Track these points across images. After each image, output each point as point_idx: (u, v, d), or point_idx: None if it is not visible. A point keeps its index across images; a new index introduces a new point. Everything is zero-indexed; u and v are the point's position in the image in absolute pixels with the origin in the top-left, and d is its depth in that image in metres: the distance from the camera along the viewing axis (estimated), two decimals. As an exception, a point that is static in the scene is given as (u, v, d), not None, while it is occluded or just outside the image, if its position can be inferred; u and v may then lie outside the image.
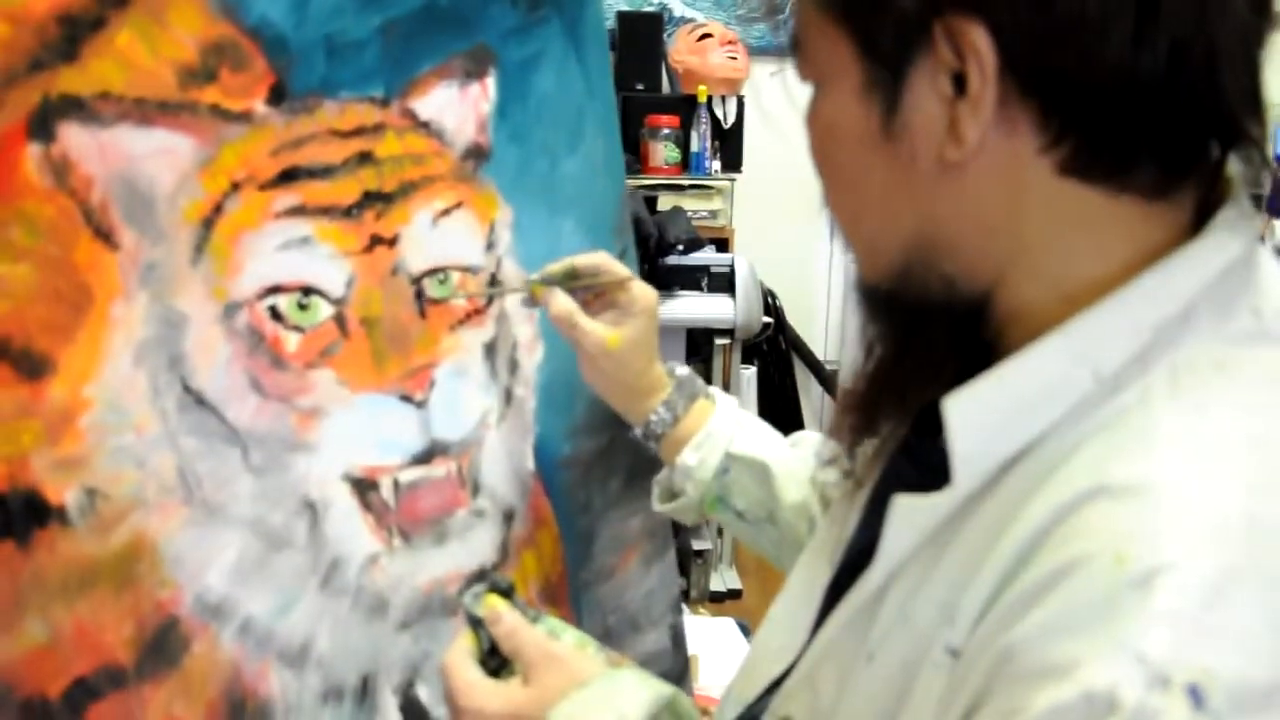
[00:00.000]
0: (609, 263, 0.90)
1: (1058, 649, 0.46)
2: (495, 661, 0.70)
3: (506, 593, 0.71)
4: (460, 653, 0.70)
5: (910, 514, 0.58)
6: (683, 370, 0.95)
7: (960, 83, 0.53)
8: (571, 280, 0.88)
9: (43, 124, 0.63)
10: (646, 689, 0.65)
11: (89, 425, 0.66)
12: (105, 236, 0.66)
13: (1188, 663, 0.44)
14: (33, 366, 0.64)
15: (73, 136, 0.64)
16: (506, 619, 0.70)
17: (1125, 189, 0.54)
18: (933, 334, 0.60)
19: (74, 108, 0.64)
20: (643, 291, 0.91)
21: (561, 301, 0.88)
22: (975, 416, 0.56)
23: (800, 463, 0.92)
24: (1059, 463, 0.53)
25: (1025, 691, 0.46)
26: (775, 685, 0.69)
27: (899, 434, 0.68)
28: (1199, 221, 0.56)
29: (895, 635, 0.57)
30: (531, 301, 0.88)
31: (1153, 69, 0.51)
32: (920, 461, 0.63)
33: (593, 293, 0.90)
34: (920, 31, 0.53)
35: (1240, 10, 0.52)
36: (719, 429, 0.92)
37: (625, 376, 0.91)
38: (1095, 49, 0.50)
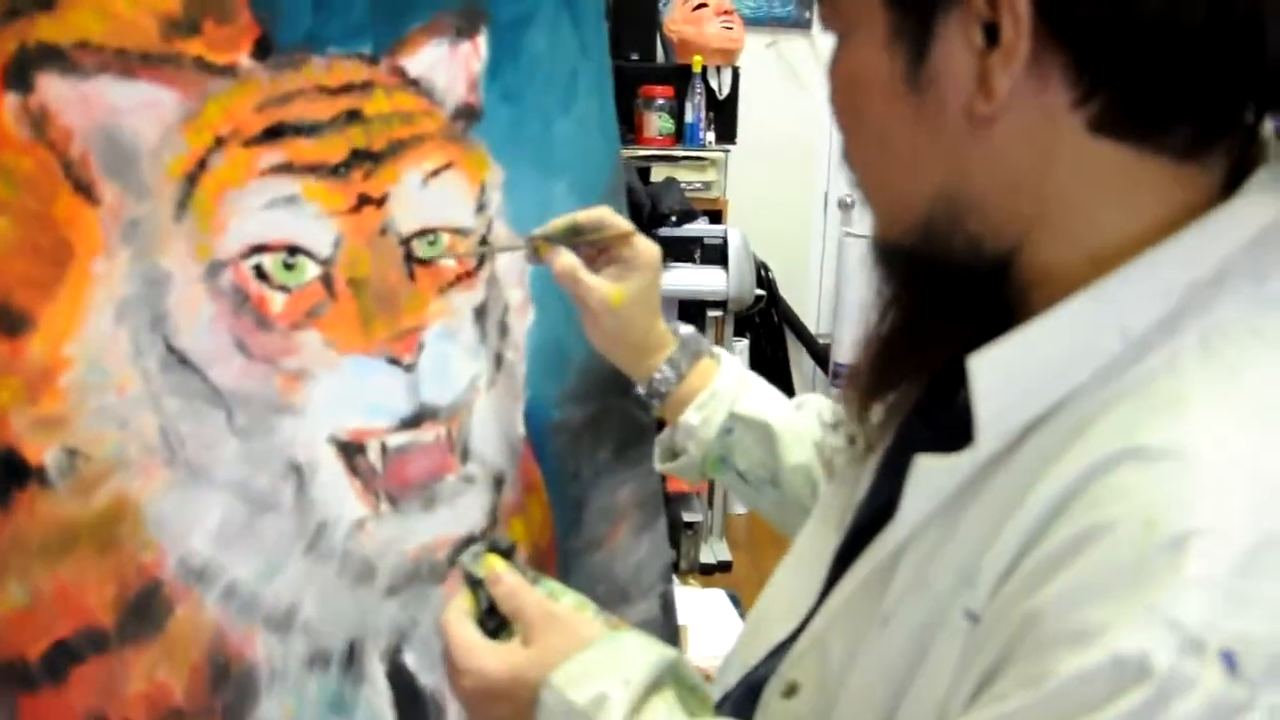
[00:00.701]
0: (611, 217, 0.88)
1: (1084, 614, 0.45)
2: (493, 622, 0.68)
3: (506, 553, 0.70)
4: (458, 612, 0.68)
5: (931, 475, 0.57)
6: (686, 329, 0.93)
7: (991, 33, 0.51)
8: (574, 236, 0.87)
9: (20, 73, 0.61)
10: (649, 651, 0.64)
11: (69, 384, 0.65)
12: (86, 191, 0.65)
13: (1222, 629, 0.43)
14: (11, 323, 0.62)
15: (51, 87, 0.63)
16: (506, 579, 0.69)
17: (1158, 149, 0.53)
18: (954, 293, 0.59)
19: (52, 57, 0.62)
20: (646, 246, 0.90)
21: (565, 257, 0.86)
22: (1000, 376, 0.55)
23: (804, 425, 0.91)
24: (1085, 425, 0.52)
25: (1050, 656, 0.45)
26: (779, 650, 0.68)
27: (911, 397, 0.67)
28: (1230, 185, 0.54)
29: (911, 599, 0.56)
30: (534, 258, 0.87)
31: (1192, 21, 0.49)
32: (936, 423, 0.61)
33: (596, 249, 0.88)
34: None
35: None
36: (723, 388, 0.91)
37: (629, 333, 0.89)
38: (1131, 1, 0.49)
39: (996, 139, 0.54)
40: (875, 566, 0.60)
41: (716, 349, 0.94)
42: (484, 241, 0.86)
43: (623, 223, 0.89)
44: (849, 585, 0.63)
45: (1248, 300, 0.52)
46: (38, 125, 0.62)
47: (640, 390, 0.92)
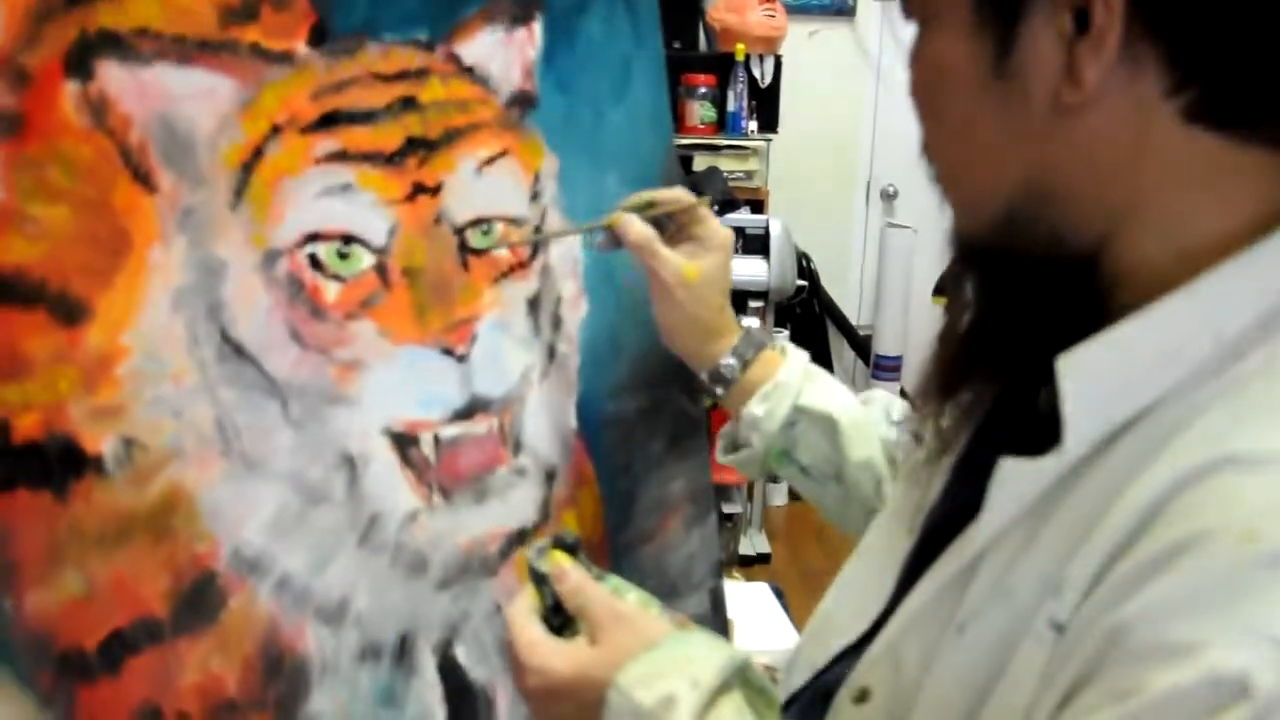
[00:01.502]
0: (685, 194, 0.88)
1: (1179, 628, 0.44)
2: (558, 619, 0.67)
3: (572, 549, 0.69)
4: (524, 609, 0.67)
5: (1016, 477, 0.56)
6: (749, 321, 0.92)
7: (1081, 19, 0.50)
8: (648, 209, 0.86)
9: (80, 61, 0.61)
10: (718, 651, 0.63)
11: (126, 373, 0.64)
12: (144, 179, 0.64)
13: None
14: (69, 311, 0.62)
15: (111, 74, 0.62)
16: (572, 576, 0.67)
17: (1254, 139, 0.51)
18: (1036, 290, 0.57)
19: (112, 44, 0.62)
20: (719, 227, 0.89)
21: (640, 228, 0.85)
22: (1090, 378, 0.53)
23: (870, 421, 0.90)
24: (1177, 430, 0.50)
25: (1141, 671, 0.44)
26: (848, 652, 0.67)
27: (988, 396, 0.65)
28: None
29: (990, 607, 0.55)
30: (608, 241, 0.86)
31: None
32: (1017, 424, 0.60)
33: (670, 229, 0.88)
34: None
35: None
36: (788, 380, 0.90)
37: (700, 311, 0.88)
38: None
39: (1085, 129, 0.52)
40: (953, 571, 0.59)
41: (783, 342, 0.93)
42: (539, 230, 0.85)
43: (689, 196, 0.88)
44: (925, 590, 0.61)
45: None
46: (97, 113, 0.62)
47: (703, 377, 0.90)
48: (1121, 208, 0.53)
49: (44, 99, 0.60)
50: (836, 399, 0.90)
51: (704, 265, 0.87)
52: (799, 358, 0.93)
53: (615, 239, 0.87)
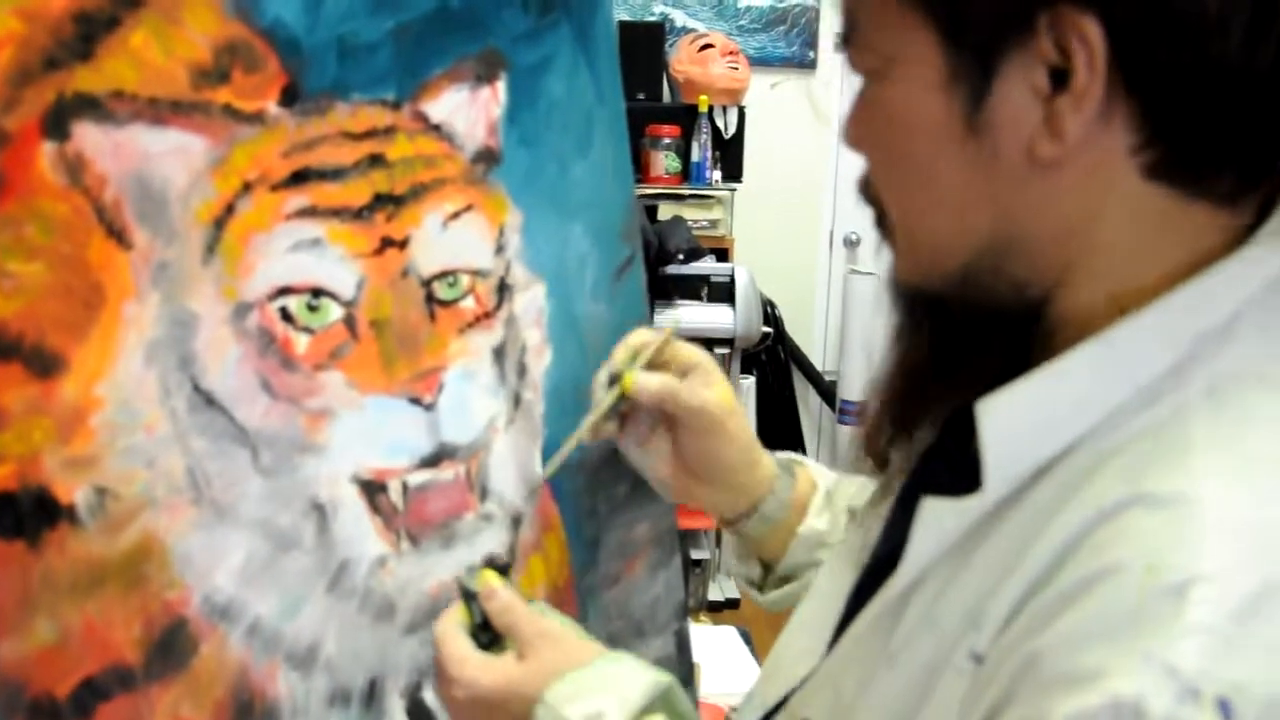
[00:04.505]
0: (647, 331, 0.86)
1: (1084, 656, 0.46)
2: (486, 637, 0.70)
3: (503, 570, 0.71)
4: (452, 624, 0.69)
5: (938, 517, 0.58)
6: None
7: (1058, 76, 0.51)
8: (637, 359, 0.84)
9: (57, 122, 0.63)
10: (645, 673, 0.65)
11: (100, 424, 0.66)
12: (118, 235, 0.66)
13: (1219, 676, 0.44)
14: (44, 364, 0.63)
15: (87, 135, 0.64)
16: (501, 595, 0.70)
17: (1204, 193, 0.53)
18: (981, 336, 0.59)
19: (88, 106, 0.64)
20: (695, 349, 0.86)
21: (655, 379, 0.82)
22: (1009, 422, 0.55)
23: None
24: (1092, 472, 0.52)
25: (1048, 698, 0.46)
26: (796, 690, 0.68)
27: (927, 437, 0.67)
28: (1253, 226, 0.55)
29: (918, 638, 0.57)
30: (617, 412, 0.83)
31: (1263, 65, 0.49)
32: (949, 464, 0.62)
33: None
34: (1020, 21, 0.51)
35: None
36: (832, 487, 0.88)
37: (748, 436, 0.85)
38: (1211, 46, 0.49)
39: (1055, 182, 0.54)
40: (885, 606, 0.61)
41: (791, 455, 0.91)
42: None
43: (660, 332, 0.86)
44: (861, 624, 0.63)
45: (1256, 348, 0.53)
46: (73, 172, 0.64)
47: (764, 508, 0.86)
48: (1076, 258, 0.55)
49: (22, 159, 0.62)
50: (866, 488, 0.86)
51: (722, 386, 0.84)
52: (812, 461, 0.91)
53: (617, 414, 0.84)
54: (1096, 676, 0.45)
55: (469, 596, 0.71)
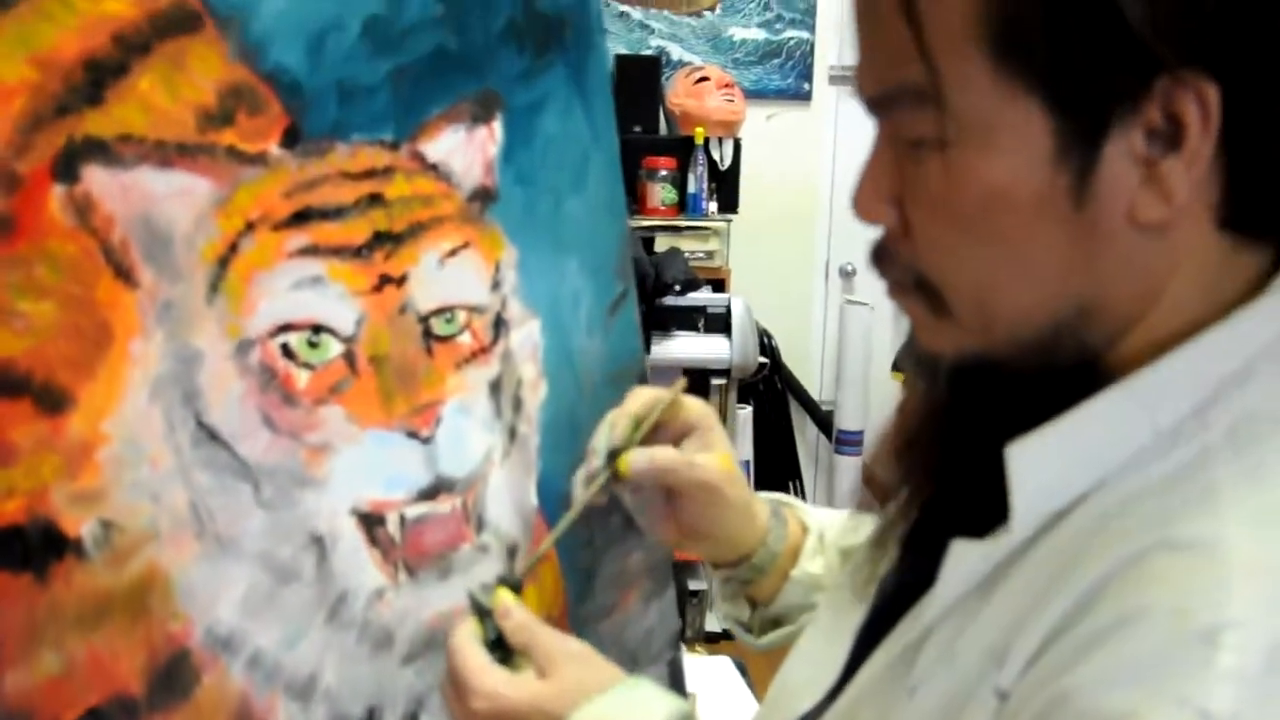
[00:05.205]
0: (651, 392, 0.85)
1: (1115, 697, 0.47)
2: (498, 654, 0.70)
3: (515, 588, 0.72)
4: (469, 637, 0.70)
5: (966, 557, 0.59)
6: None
7: (1159, 138, 0.51)
8: (640, 428, 0.83)
9: (67, 165, 0.65)
10: (667, 699, 0.66)
11: (106, 459, 0.67)
12: (125, 275, 0.68)
13: None
14: (53, 401, 0.65)
15: (95, 177, 0.66)
16: (517, 612, 0.71)
17: (1255, 241, 0.55)
18: (1032, 392, 0.58)
19: (97, 150, 0.66)
20: (696, 403, 0.86)
21: (660, 455, 0.81)
22: (1038, 465, 0.56)
23: None
24: (1118, 514, 0.53)
25: None
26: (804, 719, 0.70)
27: (937, 473, 0.68)
28: (1270, 272, 0.56)
29: (938, 673, 0.58)
30: (615, 480, 0.81)
31: None
32: (964, 502, 0.63)
33: (657, 430, 0.84)
34: (1135, 87, 0.50)
35: None
36: (826, 529, 0.89)
37: (745, 495, 0.85)
38: None
39: (1152, 243, 0.54)
40: (907, 641, 0.62)
41: (780, 497, 0.92)
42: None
43: (665, 392, 0.85)
44: (880, 660, 0.64)
45: (1274, 391, 0.54)
46: (82, 214, 0.66)
47: (756, 558, 0.86)
48: (1146, 312, 0.55)
49: (33, 201, 0.64)
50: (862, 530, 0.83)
51: (721, 445, 0.84)
52: (802, 504, 0.91)
53: (611, 487, 0.82)
54: (1129, 718, 0.46)
55: (483, 613, 0.72)
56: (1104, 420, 0.55)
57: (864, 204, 0.59)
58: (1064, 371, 0.57)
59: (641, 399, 0.85)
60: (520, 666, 0.71)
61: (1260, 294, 0.55)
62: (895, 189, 0.58)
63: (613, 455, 0.82)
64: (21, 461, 0.64)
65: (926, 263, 0.58)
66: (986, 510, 0.58)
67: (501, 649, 0.71)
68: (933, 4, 0.52)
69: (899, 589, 0.67)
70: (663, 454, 0.82)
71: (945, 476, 0.68)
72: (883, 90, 0.56)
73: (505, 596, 0.72)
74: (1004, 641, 0.55)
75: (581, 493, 0.83)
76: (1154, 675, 0.47)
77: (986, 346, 0.58)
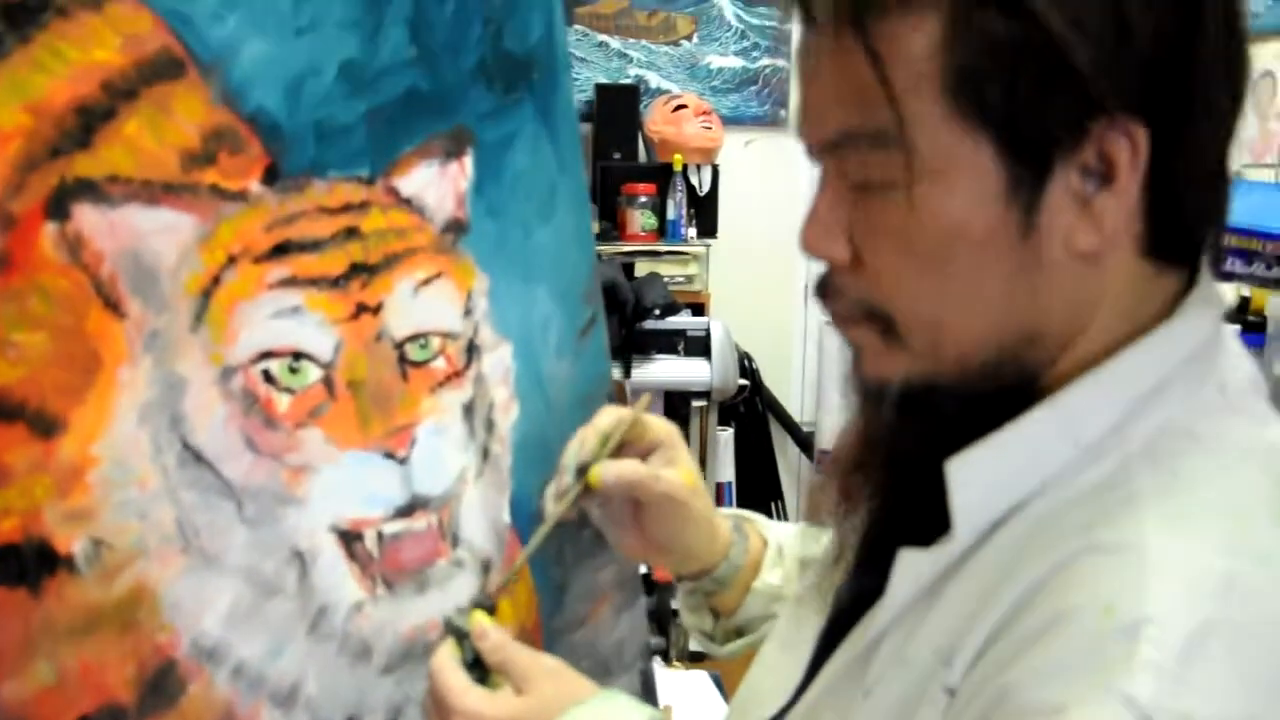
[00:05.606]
0: (618, 410, 0.89)
1: (1050, 690, 0.52)
2: (476, 674, 0.74)
3: (489, 610, 0.76)
4: (449, 659, 0.74)
5: (913, 565, 0.63)
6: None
7: (1092, 175, 0.56)
8: (607, 444, 0.86)
9: (59, 205, 0.69)
10: (641, 712, 0.70)
11: (96, 480, 0.71)
12: (114, 307, 0.72)
13: (1170, 707, 0.49)
14: (46, 426, 0.69)
15: (85, 216, 0.70)
16: (493, 634, 0.74)
17: (1176, 264, 0.60)
18: (971, 414, 0.61)
19: (87, 189, 0.70)
20: (663, 423, 0.90)
21: (626, 468, 0.85)
22: (976, 478, 0.61)
23: None
24: (1050, 522, 0.58)
25: None
26: None
27: (885, 486, 0.71)
28: (1179, 295, 0.61)
29: (892, 674, 0.62)
30: (586, 494, 0.85)
31: (1220, 168, 0.58)
32: (910, 512, 0.67)
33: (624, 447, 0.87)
34: (1076, 129, 0.55)
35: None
36: (783, 541, 0.93)
37: (708, 510, 0.89)
38: (1210, 150, 0.57)
39: (1085, 271, 0.58)
40: (861, 645, 0.66)
41: (740, 512, 0.96)
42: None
43: (629, 411, 0.88)
44: (838, 661, 0.68)
45: (1183, 408, 0.59)
46: (73, 250, 0.70)
47: (718, 572, 0.90)
48: (1077, 335, 0.60)
49: (26, 238, 0.68)
50: (814, 542, 0.86)
51: (686, 463, 0.88)
52: (761, 518, 0.95)
53: (581, 502, 0.86)
54: (1063, 708, 0.51)
55: (460, 635, 0.76)
56: (1032, 437, 0.60)
57: (814, 241, 0.62)
58: (1008, 397, 0.61)
59: (609, 416, 0.89)
60: (498, 685, 0.74)
61: (1172, 316, 0.60)
62: (845, 225, 0.61)
63: (582, 470, 0.86)
64: (16, 483, 0.68)
65: (880, 294, 0.61)
66: (931, 521, 0.63)
67: (479, 669, 0.75)
68: (896, 54, 0.56)
69: (854, 597, 0.71)
70: (629, 466, 0.86)
71: (892, 491, 0.73)
72: (841, 133, 0.60)
73: (480, 618, 0.76)
74: (951, 642, 0.59)
75: (553, 507, 0.87)
76: (1083, 669, 0.51)
77: (934, 372, 0.61)
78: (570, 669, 0.74)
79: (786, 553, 0.93)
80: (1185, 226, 0.59)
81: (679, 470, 0.88)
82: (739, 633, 0.95)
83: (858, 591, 0.70)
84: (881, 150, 0.58)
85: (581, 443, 0.87)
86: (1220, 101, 0.57)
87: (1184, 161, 0.57)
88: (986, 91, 0.55)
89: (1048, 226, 0.57)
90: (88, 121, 0.70)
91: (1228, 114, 0.58)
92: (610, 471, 0.85)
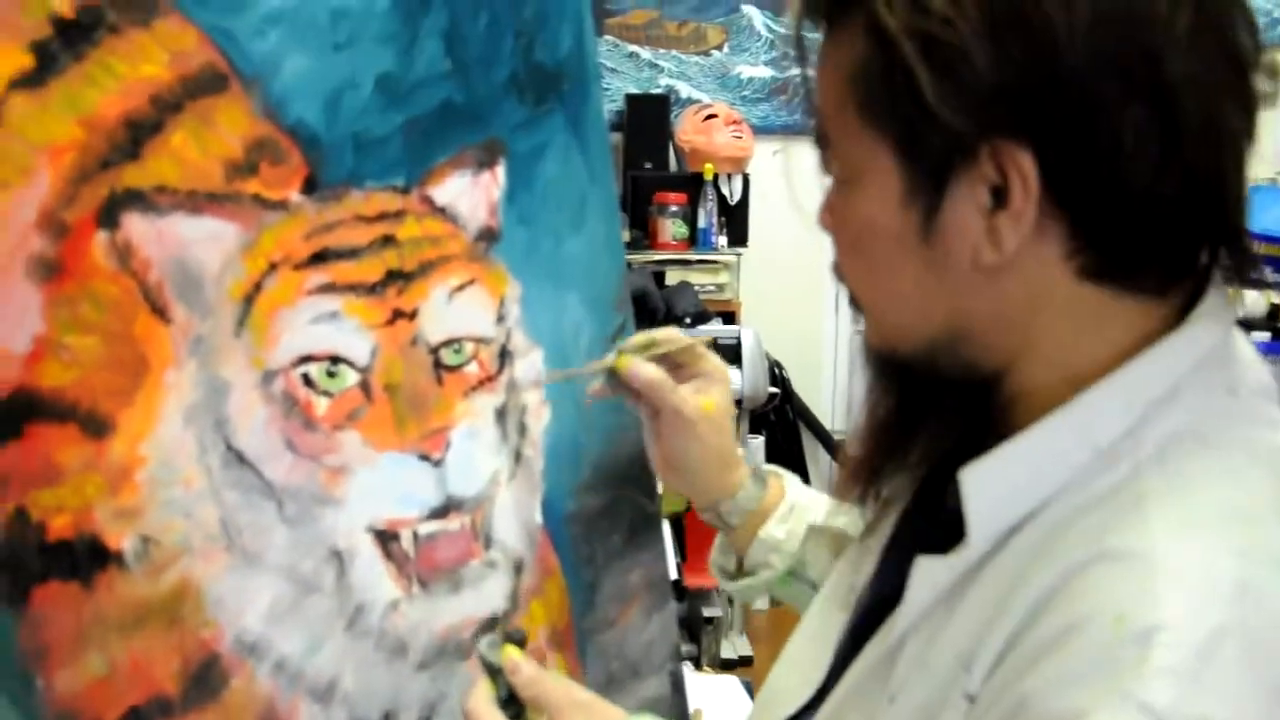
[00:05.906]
0: (678, 331, 0.94)
1: (1068, 698, 0.53)
2: (512, 710, 0.75)
3: (520, 643, 0.78)
4: (484, 699, 0.75)
5: (930, 571, 0.65)
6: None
7: (999, 195, 0.58)
8: (647, 350, 0.91)
9: (109, 214, 0.72)
10: None
11: (144, 479, 0.74)
12: (160, 312, 0.75)
13: (1187, 713, 0.51)
14: (97, 427, 0.72)
15: (134, 225, 0.73)
16: (525, 668, 0.76)
17: (1131, 290, 0.61)
18: (941, 402, 0.66)
19: (136, 199, 0.73)
20: (718, 362, 0.95)
21: (650, 370, 0.90)
22: (989, 486, 0.62)
23: None
24: (1063, 528, 0.59)
25: None
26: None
27: (908, 490, 0.74)
28: (1186, 309, 0.62)
29: (914, 680, 0.64)
30: (612, 383, 0.90)
31: (1169, 191, 0.58)
32: (931, 519, 0.69)
33: (666, 365, 0.92)
34: (965, 148, 0.58)
35: (1241, 140, 0.60)
36: (801, 501, 0.96)
37: (720, 441, 0.92)
38: (1126, 174, 0.57)
39: (998, 284, 0.61)
40: (883, 651, 0.67)
41: (772, 466, 0.99)
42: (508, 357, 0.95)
43: (687, 337, 0.93)
44: (861, 665, 0.70)
45: (1195, 414, 0.60)
46: (123, 258, 0.73)
47: (724, 507, 0.95)
48: (1020, 346, 0.63)
49: (78, 247, 0.71)
50: (842, 516, 0.93)
51: (716, 398, 0.92)
52: (794, 479, 0.99)
53: (614, 383, 0.90)
54: (1079, 715, 0.52)
55: (493, 671, 0.77)
56: (1046, 444, 0.62)
57: (821, 221, 0.71)
58: (970, 392, 0.65)
59: (667, 331, 0.94)
60: (533, 719, 0.76)
61: (1178, 329, 0.62)
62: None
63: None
64: (69, 481, 0.71)
65: (842, 272, 0.70)
66: (948, 527, 0.64)
67: (514, 704, 0.76)
68: (825, 70, 0.65)
69: (877, 598, 0.73)
70: (652, 369, 0.90)
71: (910, 490, 0.74)
72: (816, 134, 0.68)
73: (512, 653, 0.77)
74: (970, 649, 0.60)
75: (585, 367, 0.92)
76: (1099, 676, 0.53)
77: (889, 351, 0.68)
78: (602, 700, 0.76)
79: (799, 512, 0.95)
80: (1135, 252, 0.60)
81: (703, 398, 0.92)
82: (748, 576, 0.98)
83: (881, 591, 0.72)
84: (830, 151, 0.66)
85: (629, 340, 0.93)
86: (1154, 125, 0.56)
87: (1085, 188, 0.58)
88: (881, 107, 0.61)
89: (953, 235, 0.60)
90: (136, 134, 0.73)
91: (1186, 136, 0.57)
92: (634, 365, 0.90)
